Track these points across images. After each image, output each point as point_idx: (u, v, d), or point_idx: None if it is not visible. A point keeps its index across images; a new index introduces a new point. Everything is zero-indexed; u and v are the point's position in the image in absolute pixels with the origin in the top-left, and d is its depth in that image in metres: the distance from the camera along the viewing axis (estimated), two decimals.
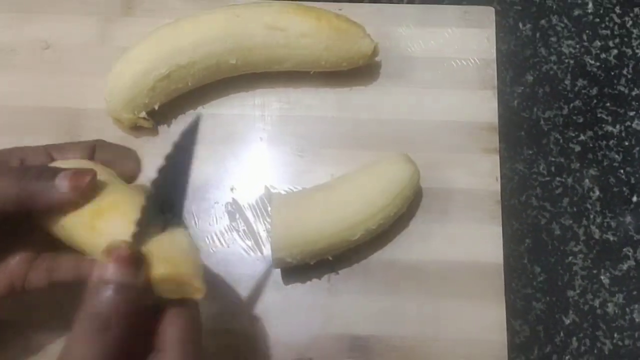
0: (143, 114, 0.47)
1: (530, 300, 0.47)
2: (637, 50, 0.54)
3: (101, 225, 0.33)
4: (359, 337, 0.45)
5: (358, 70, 0.50)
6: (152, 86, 0.46)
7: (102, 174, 0.36)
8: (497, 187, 0.48)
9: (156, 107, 0.47)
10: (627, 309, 0.47)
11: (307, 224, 0.42)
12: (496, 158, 0.49)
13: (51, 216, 0.34)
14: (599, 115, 0.52)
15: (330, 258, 0.44)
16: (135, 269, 0.31)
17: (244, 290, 0.46)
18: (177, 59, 0.46)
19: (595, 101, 0.52)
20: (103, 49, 0.52)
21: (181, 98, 0.49)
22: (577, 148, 0.51)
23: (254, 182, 0.49)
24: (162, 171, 0.32)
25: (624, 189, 0.50)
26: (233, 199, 0.48)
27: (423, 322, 0.45)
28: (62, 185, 0.33)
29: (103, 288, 0.30)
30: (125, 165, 0.41)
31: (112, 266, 0.30)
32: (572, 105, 0.52)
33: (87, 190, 0.34)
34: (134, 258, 0.31)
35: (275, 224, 0.42)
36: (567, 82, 0.53)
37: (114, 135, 0.49)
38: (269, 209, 0.48)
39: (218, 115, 0.51)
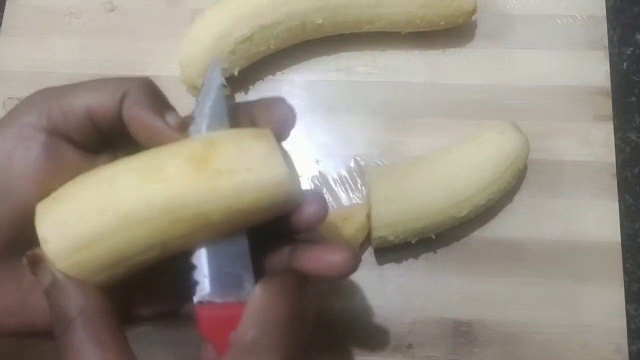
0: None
1: None
2: None
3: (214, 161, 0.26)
4: (461, 321, 0.41)
5: (451, 31, 0.46)
6: (233, 49, 0.42)
7: None
8: (612, 158, 0.43)
9: (236, 73, 0.44)
10: None
11: (411, 199, 0.39)
12: (610, 126, 0.44)
13: None
14: None
15: (433, 236, 0.41)
16: None
17: None
18: (260, 19, 0.42)
19: None
20: (172, 12, 0.49)
21: (258, 64, 0.45)
22: None
23: (340, 153, 0.45)
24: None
25: None
26: (319, 172, 0.44)
27: (531, 307, 0.41)
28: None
29: None
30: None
31: None
32: None
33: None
34: None
35: (376, 200, 0.39)
36: None
37: (188, 104, 0.46)
38: (359, 183, 0.44)
39: (298, 81, 0.47)
